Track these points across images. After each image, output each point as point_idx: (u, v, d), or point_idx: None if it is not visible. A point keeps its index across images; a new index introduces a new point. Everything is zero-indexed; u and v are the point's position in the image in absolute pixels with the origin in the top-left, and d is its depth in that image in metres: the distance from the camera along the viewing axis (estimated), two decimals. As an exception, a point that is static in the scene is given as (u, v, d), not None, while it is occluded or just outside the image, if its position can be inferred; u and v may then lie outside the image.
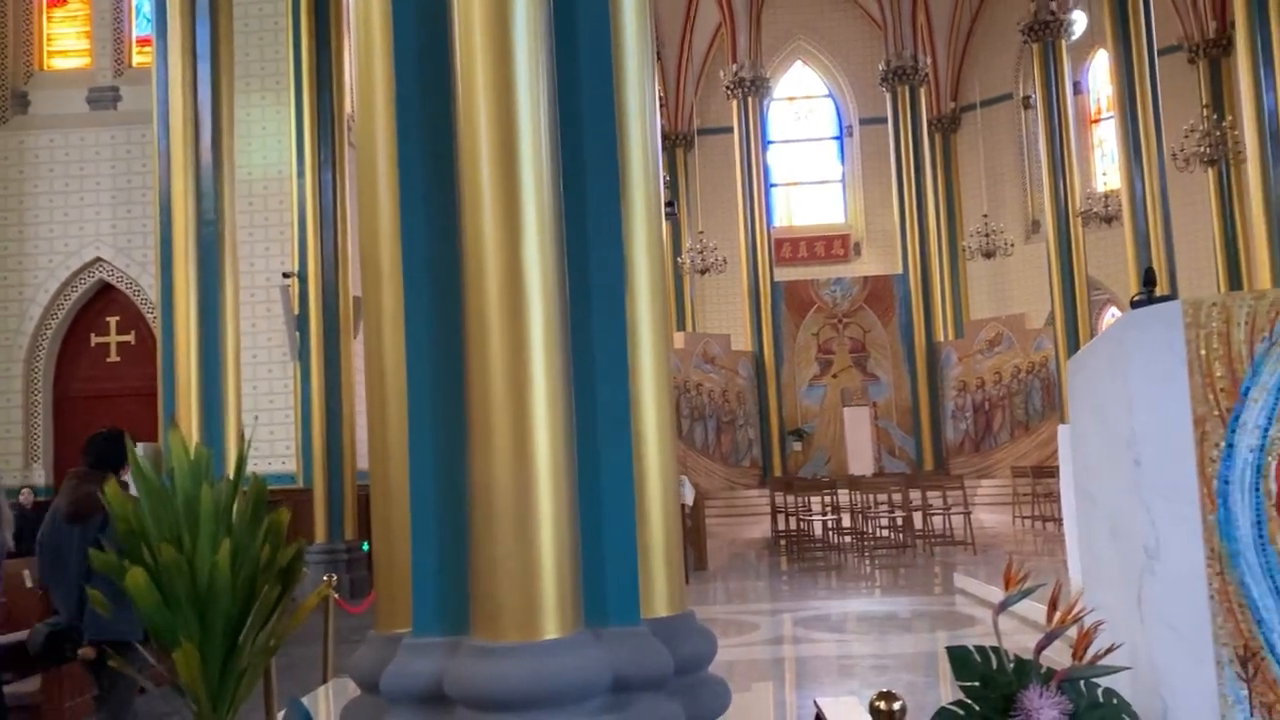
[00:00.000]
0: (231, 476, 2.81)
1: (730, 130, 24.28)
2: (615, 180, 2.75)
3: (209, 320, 10.26)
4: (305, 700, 5.25)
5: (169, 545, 2.59)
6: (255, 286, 14.75)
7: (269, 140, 15.33)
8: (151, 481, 2.64)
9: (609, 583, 2.60)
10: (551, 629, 2.40)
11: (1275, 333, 2.94)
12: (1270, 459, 2.91)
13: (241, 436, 3.09)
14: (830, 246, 27.96)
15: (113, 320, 15.77)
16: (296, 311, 13.72)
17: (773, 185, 26.08)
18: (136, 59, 16.48)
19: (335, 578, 5.55)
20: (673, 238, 24.94)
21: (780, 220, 27.44)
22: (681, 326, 25.01)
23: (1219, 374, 2.95)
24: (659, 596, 2.74)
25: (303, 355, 13.75)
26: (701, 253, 22.94)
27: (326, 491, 13.38)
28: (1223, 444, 2.93)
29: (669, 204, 14.13)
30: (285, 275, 14.01)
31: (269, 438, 14.43)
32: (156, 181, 10.59)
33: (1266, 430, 2.92)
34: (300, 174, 13.86)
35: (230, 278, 10.57)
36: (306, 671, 6.83)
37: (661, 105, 24.82)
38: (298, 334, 13.71)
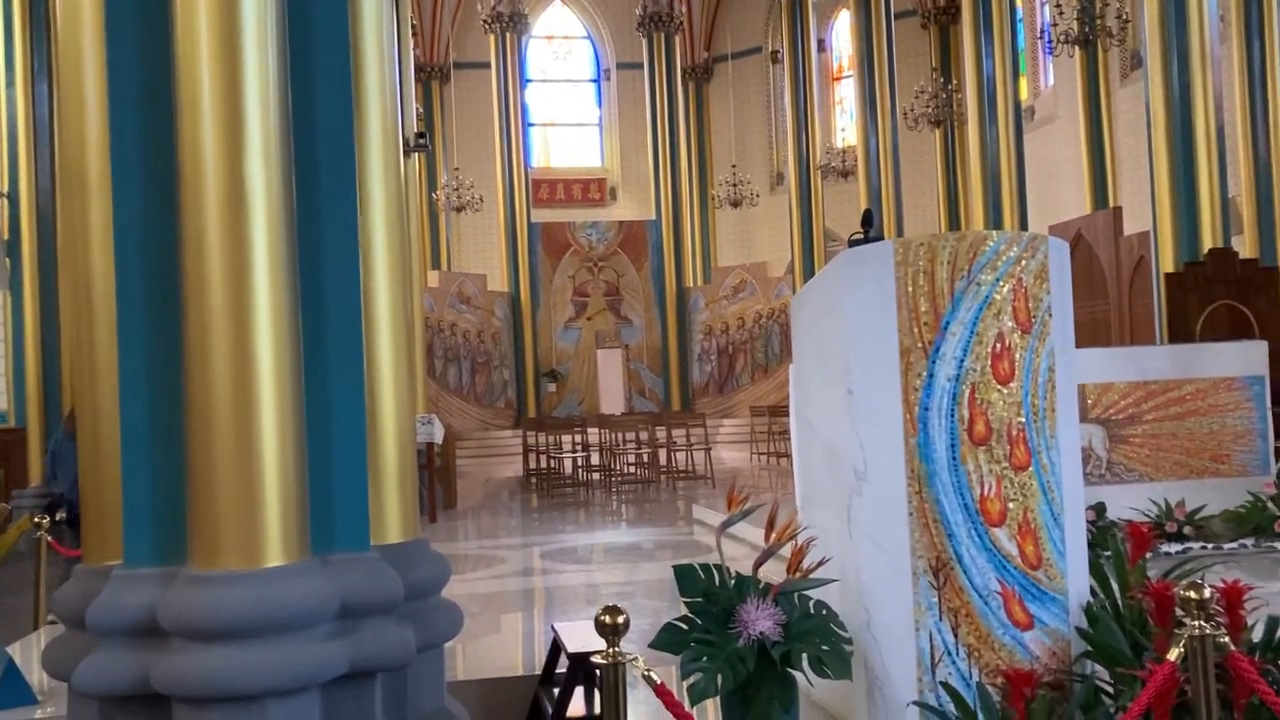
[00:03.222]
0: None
1: (488, 66, 23.87)
2: (348, 99, 2.65)
3: (-102, 242, 9.22)
4: (15, 647, 4.90)
5: None
6: (-43, 207, 13.33)
7: (-28, 45, 13.81)
8: None
9: (337, 509, 2.55)
10: (275, 556, 2.34)
11: (973, 271, 3.21)
12: (964, 387, 3.18)
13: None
14: (587, 190, 28.14)
15: None
16: (6, 236, 12.56)
17: (530, 125, 25.90)
18: None
19: (46, 517, 5.17)
20: (427, 172, 24.34)
21: (538, 161, 27.34)
22: (436, 265, 24.54)
23: (923, 309, 3.19)
24: (391, 523, 2.72)
25: (14, 284, 12.62)
26: (458, 190, 22.55)
27: (43, 432, 12.41)
28: (924, 374, 3.19)
29: (421, 135, 13.76)
30: (-8, 196, 12.75)
31: (-26, 374, 13.19)
32: None
33: (962, 361, 3.19)
34: (10, 84, 12.59)
35: (-76, 195, 9.53)
36: (19, 621, 6.40)
37: (415, 35, 24.02)
38: (7, 261, 12.55)
